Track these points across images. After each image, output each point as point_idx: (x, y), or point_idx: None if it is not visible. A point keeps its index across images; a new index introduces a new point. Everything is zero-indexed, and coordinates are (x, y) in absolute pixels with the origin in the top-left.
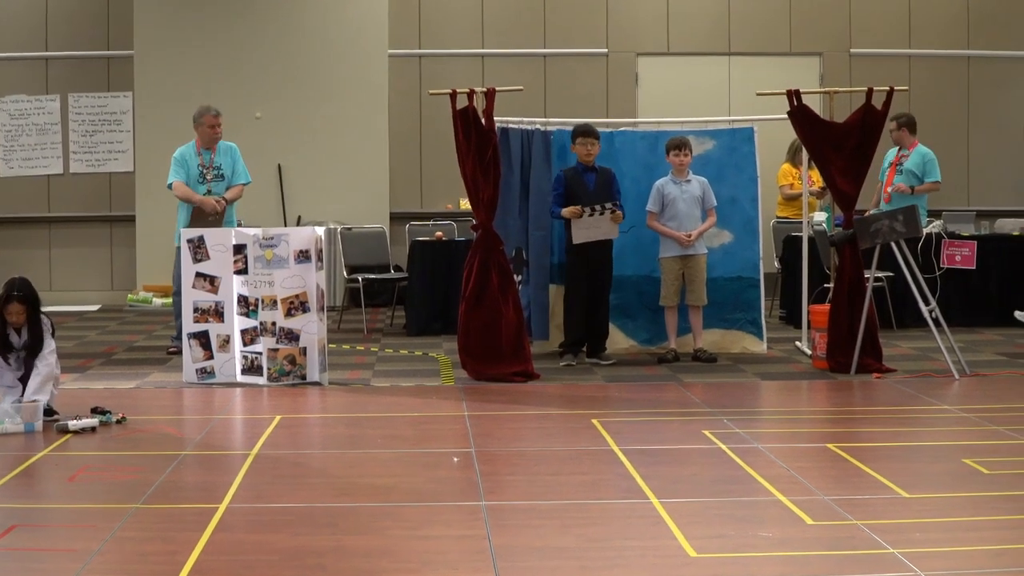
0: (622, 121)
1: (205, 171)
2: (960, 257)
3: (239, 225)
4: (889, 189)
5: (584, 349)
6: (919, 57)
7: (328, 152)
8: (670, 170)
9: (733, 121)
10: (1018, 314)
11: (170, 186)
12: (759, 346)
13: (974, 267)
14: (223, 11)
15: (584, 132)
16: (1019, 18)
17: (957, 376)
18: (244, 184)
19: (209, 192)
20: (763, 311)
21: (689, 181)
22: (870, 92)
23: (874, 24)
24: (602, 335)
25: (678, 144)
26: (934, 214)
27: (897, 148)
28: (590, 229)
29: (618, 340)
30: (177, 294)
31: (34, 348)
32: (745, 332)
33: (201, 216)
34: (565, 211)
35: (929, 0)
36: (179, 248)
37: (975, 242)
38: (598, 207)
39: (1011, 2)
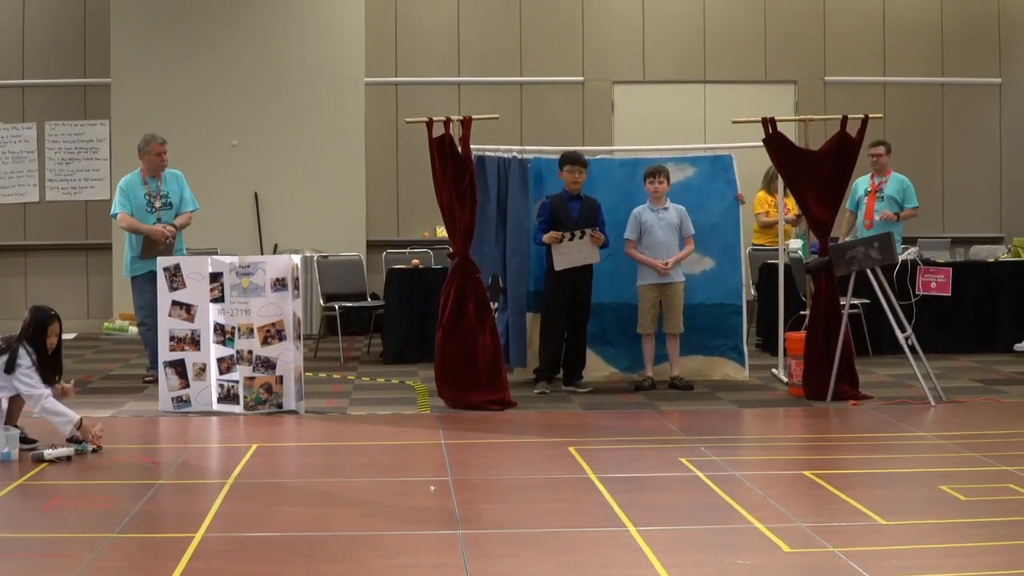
0: (600, 149)
1: (152, 199)
2: (936, 284)
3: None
4: (876, 216)
5: (559, 376)
6: (893, 85)
7: (305, 180)
8: (648, 198)
9: (710, 149)
10: (1018, 347)
11: (115, 216)
12: (741, 373)
13: (949, 294)
14: (200, 39)
15: (572, 160)
16: (992, 45)
17: (933, 403)
18: (192, 212)
19: (159, 220)
20: (745, 338)
21: (667, 209)
22: (844, 120)
23: (848, 52)
24: (579, 363)
25: (655, 172)
26: (909, 241)
27: (870, 175)
28: (571, 254)
29: (598, 367)
30: (142, 324)
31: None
32: (727, 359)
33: (152, 245)
34: (546, 237)
35: (903, 28)
36: (134, 279)
37: (950, 269)
38: (578, 232)
39: (984, 29)
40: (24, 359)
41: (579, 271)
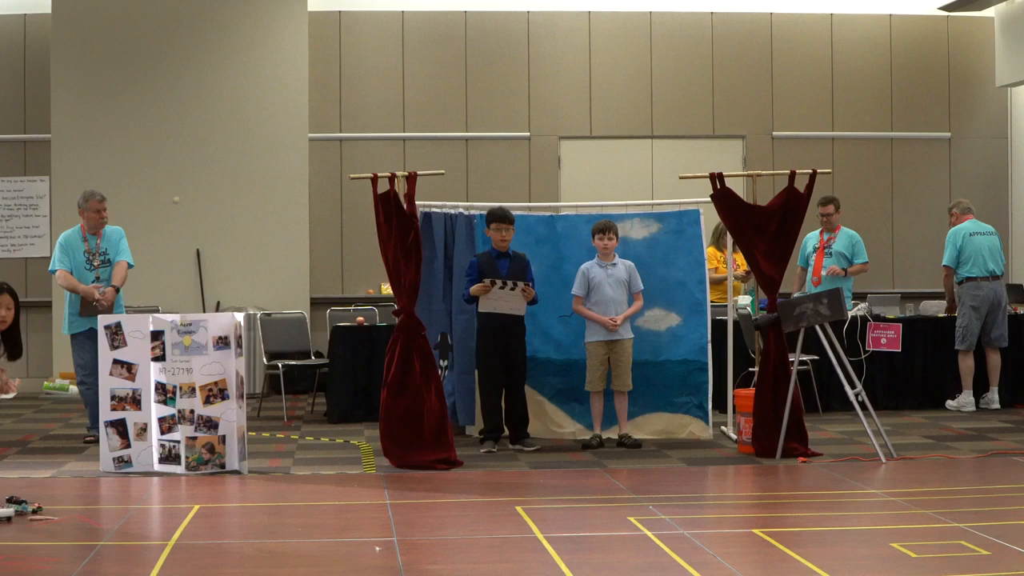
0: (568, 205)
1: (92, 257)
2: (886, 340)
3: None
4: (823, 272)
5: (506, 435)
6: (842, 140)
7: (247, 236)
8: (596, 254)
9: (680, 204)
10: (950, 404)
11: (53, 272)
12: (706, 431)
13: (899, 350)
14: (142, 95)
15: (499, 218)
16: (941, 100)
17: (884, 460)
18: (127, 263)
19: (98, 279)
20: (710, 395)
21: (615, 264)
22: (793, 175)
23: (796, 107)
24: (522, 420)
25: (603, 228)
26: (859, 296)
27: (820, 231)
28: (498, 301)
29: (563, 424)
30: (82, 383)
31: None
32: (692, 416)
33: (90, 305)
34: (474, 288)
35: (851, 83)
36: (74, 337)
37: (900, 324)
38: (509, 282)
39: (932, 84)
40: None
41: (510, 331)
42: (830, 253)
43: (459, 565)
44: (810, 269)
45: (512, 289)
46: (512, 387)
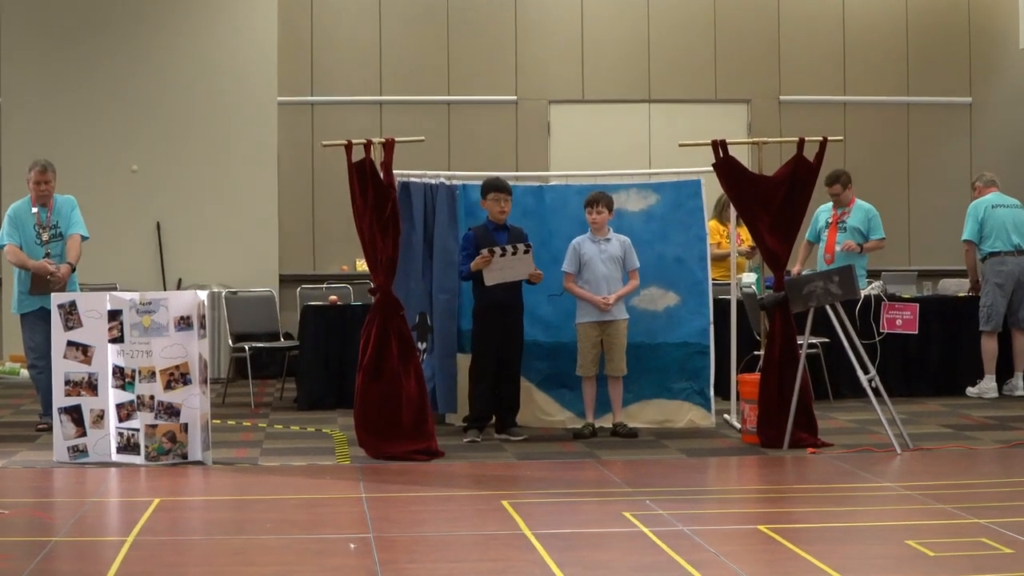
0: (558, 175)
1: (41, 231)
2: (901, 321)
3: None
4: (838, 248)
5: (492, 424)
6: (855, 104)
7: (211, 208)
8: (588, 228)
9: (680, 173)
10: (971, 391)
11: (1, 247)
12: (707, 419)
13: (916, 332)
14: (97, 56)
15: (497, 187)
16: (962, 62)
17: (899, 450)
18: (80, 236)
19: (48, 255)
20: (712, 381)
21: (609, 239)
22: (801, 142)
23: (806, 69)
24: (512, 408)
25: (595, 200)
26: (873, 274)
27: (833, 204)
28: (504, 270)
29: (552, 412)
30: (33, 367)
31: None
32: (692, 403)
33: (41, 282)
34: (476, 261)
35: (865, 43)
36: (23, 317)
37: (917, 305)
38: (509, 247)
39: (951, 45)
40: None
41: (510, 309)
42: (844, 228)
43: (440, 564)
44: (822, 245)
45: (514, 254)
46: (505, 369)
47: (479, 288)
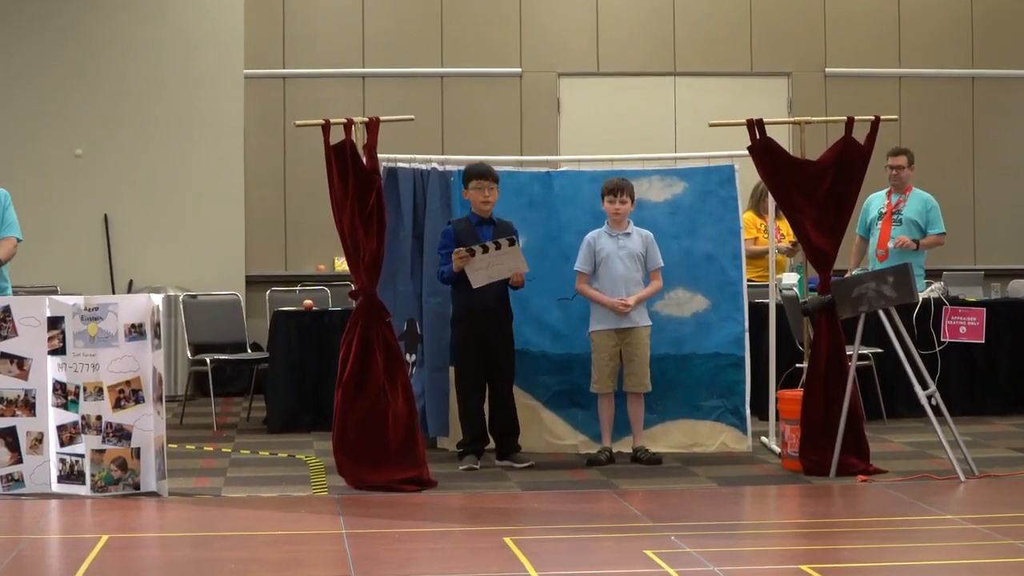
0: (569, 159)
1: None
2: (965, 328)
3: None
4: (890, 244)
5: (492, 448)
6: (911, 78)
7: (167, 199)
8: (604, 220)
9: (711, 158)
10: None
11: None
12: (743, 443)
13: (982, 341)
14: (32, 21)
15: (480, 174)
16: None
17: (963, 477)
18: (15, 239)
19: None
20: (747, 398)
21: (628, 234)
22: (850, 122)
23: (855, 38)
24: (511, 431)
25: (616, 188)
26: (933, 275)
27: (887, 192)
28: (490, 268)
29: (563, 434)
30: None
31: None
32: (724, 424)
33: None
34: (454, 261)
35: (923, 9)
36: None
37: (983, 310)
38: (492, 244)
39: (1021, 11)
40: None
41: (494, 317)
42: (899, 220)
43: None
44: (873, 240)
45: (497, 249)
46: (497, 388)
47: (456, 290)
